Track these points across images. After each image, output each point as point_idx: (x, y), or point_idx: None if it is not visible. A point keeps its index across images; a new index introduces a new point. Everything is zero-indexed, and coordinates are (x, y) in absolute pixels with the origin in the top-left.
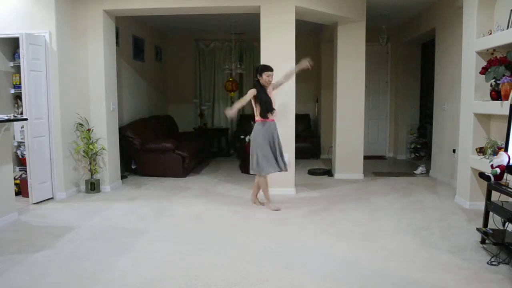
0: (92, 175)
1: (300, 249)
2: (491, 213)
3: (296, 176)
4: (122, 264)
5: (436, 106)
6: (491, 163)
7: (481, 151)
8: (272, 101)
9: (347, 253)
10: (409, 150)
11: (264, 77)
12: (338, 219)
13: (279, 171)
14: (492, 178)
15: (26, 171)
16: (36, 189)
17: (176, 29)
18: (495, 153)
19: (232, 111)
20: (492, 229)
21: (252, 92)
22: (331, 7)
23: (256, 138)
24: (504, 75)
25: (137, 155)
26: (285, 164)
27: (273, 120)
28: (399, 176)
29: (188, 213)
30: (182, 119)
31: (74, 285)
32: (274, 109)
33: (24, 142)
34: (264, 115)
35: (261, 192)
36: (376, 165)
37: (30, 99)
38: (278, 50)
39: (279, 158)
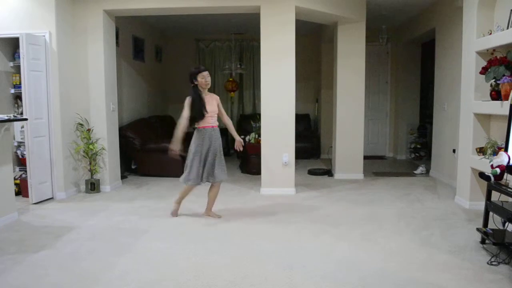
0: (92, 175)
1: (300, 249)
2: (491, 213)
3: (296, 176)
4: (122, 264)
5: (436, 106)
6: (491, 163)
7: (481, 151)
8: (207, 104)
9: (347, 253)
10: (409, 150)
11: (200, 80)
12: (338, 219)
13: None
14: (492, 178)
15: (26, 171)
16: (36, 189)
17: (176, 29)
18: (495, 153)
19: (176, 147)
20: (492, 229)
21: (187, 101)
22: (331, 7)
23: (191, 145)
24: (504, 75)
25: (137, 155)
26: (214, 177)
27: (213, 127)
28: (399, 176)
29: (188, 213)
30: None
31: (74, 285)
32: (205, 113)
33: (24, 142)
34: (193, 122)
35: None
36: (376, 165)
37: (30, 99)
38: (278, 50)
39: (216, 168)
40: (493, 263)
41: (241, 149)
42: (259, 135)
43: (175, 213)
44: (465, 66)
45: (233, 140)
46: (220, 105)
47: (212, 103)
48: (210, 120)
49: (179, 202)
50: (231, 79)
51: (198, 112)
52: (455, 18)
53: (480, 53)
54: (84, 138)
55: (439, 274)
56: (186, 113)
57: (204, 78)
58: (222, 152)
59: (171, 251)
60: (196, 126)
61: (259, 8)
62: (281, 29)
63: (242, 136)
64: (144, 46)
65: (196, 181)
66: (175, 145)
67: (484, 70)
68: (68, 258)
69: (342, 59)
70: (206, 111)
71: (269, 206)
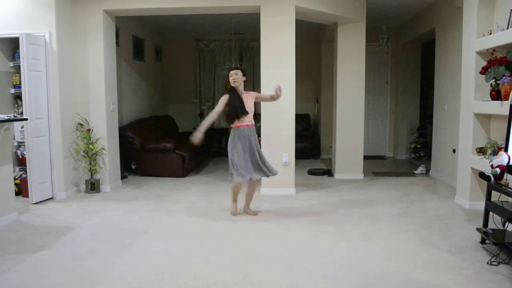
0: (92, 175)
1: (300, 249)
2: (491, 213)
3: (296, 176)
4: (122, 264)
5: (436, 106)
6: (491, 163)
7: (481, 151)
8: (246, 104)
9: (347, 253)
10: (409, 150)
11: (229, 79)
12: (338, 219)
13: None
14: (492, 178)
15: (26, 171)
16: (36, 189)
17: (176, 29)
18: (495, 153)
19: (198, 136)
20: (492, 229)
21: (223, 99)
22: (331, 7)
23: (230, 144)
24: (504, 75)
25: (137, 155)
26: (269, 169)
27: (247, 126)
28: (399, 176)
29: (188, 213)
30: (182, 119)
31: (74, 285)
32: (244, 113)
33: (24, 142)
34: (231, 121)
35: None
36: (376, 165)
37: (30, 99)
38: (278, 50)
39: (261, 164)
40: (493, 263)
41: (279, 91)
42: (259, 135)
43: (233, 212)
44: (465, 66)
45: None
46: (260, 96)
47: (249, 101)
48: (246, 119)
49: (235, 200)
50: None
51: (237, 110)
52: (455, 18)
53: (480, 53)
54: (84, 138)
55: (439, 274)
56: (218, 108)
57: (230, 77)
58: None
59: (171, 251)
60: (232, 125)
61: (259, 8)
62: (281, 29)
63: None
64: (144, 46)
65: (246, 178)
66: (198, 134)
67: (484, 70)
68: (68, 258)
69: (342, 59)
70: (246, 111)
71: (269, 206)
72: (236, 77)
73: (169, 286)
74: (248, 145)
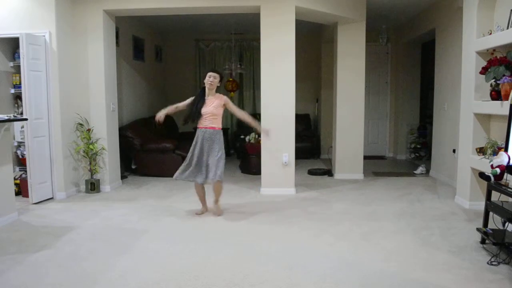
0: (92, 175)
1: (300, 249)
2: (491, 213)
3: (296, 176)
4: (122, 264)
5: (436, 106)
6: (491, 163)
7: (481, 151)
8: (207, 108)
9: (347, 253)
10: (409, 150)
11: (206, 78)
12: (338, 219)
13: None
14: (492, 178)
15: (26, 171)
16: (36, 189)
17: (176, 29)
18: (495, 153)
19: (160, 114)
20: (492, 229)
21: (190, 99)
22: (331, 7)
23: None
24: (504, 75)
25: (137, 155)
26: (212, 177)
27: (206, 128)
28: (399, 176)
29: (188, 213)
30: (182, 119)
31: (74, 285)
32: (198, 116)
33: (24, 142)
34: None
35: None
36: (376, 165)
37: (30, 99)
38: (278, 50)
39: (203, 168)
40: (493, 263)
41: (268, 135)
42: (259, 135)
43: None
44: (465, 66)
45: (234, 139)
46: (229, 104)
47: (212, 105)
48: (204, 122)
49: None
50: (231, 79)
51: (194, 112)
52: (455, 18)
53: (480, 53)
54: (84, 138)
55: (439, 274)
56: (183, 103)
57: (208, 77)
58: (219, 154)
59: (171, 251)
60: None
61: (259, 8)
62: (281, 29)
63: (242, 136)
64: (144, 46)
65: (184, 178)
66: (160, 113)
67: (484, 70)
68: (68, 258)
69: (342, 59)
70: (199, 114)
71: (269, 206)
72: (213, 81)
73: (169, 286)
74: (199, 147)
